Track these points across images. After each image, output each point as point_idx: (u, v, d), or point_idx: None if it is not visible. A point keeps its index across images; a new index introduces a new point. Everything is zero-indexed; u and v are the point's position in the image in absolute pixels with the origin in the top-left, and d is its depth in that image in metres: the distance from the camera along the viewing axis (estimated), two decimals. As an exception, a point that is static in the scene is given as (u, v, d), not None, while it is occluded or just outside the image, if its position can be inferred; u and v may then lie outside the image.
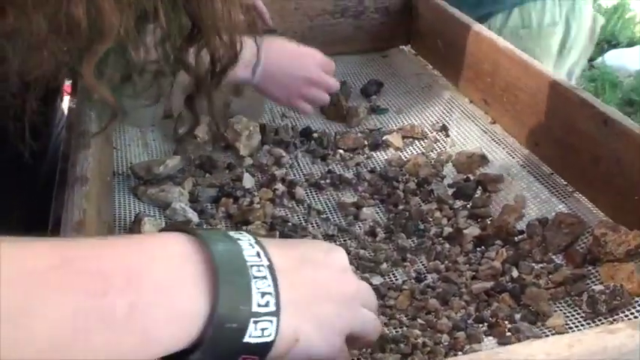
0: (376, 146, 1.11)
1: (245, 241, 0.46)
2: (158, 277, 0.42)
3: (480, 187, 0.98)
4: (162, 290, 0.42)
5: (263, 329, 0.43)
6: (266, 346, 0.44)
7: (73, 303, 0.38)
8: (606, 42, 3.78)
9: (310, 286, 0.49)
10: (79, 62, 0.53)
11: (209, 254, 0.43)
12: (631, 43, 3.80)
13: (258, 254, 0.45)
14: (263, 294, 0.43)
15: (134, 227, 0.86)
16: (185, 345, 0.42)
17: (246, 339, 0.42)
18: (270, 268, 0.45)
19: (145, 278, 0.41)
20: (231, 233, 0.46)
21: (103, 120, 0.88)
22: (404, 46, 1.46)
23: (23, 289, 0.36)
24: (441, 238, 0.89)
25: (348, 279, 0.53)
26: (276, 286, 0.44)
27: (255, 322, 0.43)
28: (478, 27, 1.21)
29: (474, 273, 0.82)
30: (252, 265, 0.44)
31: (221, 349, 0.42)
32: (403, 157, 1.07)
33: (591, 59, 3.67)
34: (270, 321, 0.43)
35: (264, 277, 0.44)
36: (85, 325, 0.38)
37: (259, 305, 0.43)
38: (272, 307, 0.44)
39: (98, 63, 0.54)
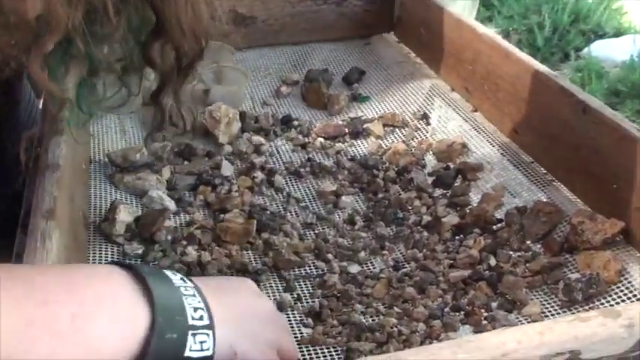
0: (357, 134, 1.10)
1: (168, 271, 0.49)
2: (98, 290, 0.44)
3: (459, 176, 0.97)
4: (103, 301, 0.44)
5: (202, 342, 0.45)
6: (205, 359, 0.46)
7: (24, 313, 0.39)
8: (593, 32, 3.79)
9: (235, 307, 0.52)
10: (26, 55, 0.53)
11: (141, 275, 0.46)
12: (617, 34, 3.80)
13: (182, 279, 0.49)
14: (195, 308, 0.46)
15: (109, 215, 0.85)
16: (128, 358, 0.43)
17: (187, 353, 0.44)
18: (197, 289, 0.49)
19: (85, 290, 0.43)
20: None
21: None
22: (386, 34, 1.45)
23: None
24: (419, 227, 0.89)
25: (265, 300, 0.58)
26: (205, 303, 0.48)
27: (194, 335, 0.45)
28: (461, 15, 1.20)
29: (451, 261, 0.81)
30: (180, 286, 0.47)
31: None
32: (384, 146, 1.06)
33: (577, 49, 3.68)
34: (207, 334, 0.46)
35: (194, 295, 0.47)
36: (34, 334, 0.39)
37: (193, 318, 0.46)
38: (206, 321, 0.46)
39: (47, 56, 0.53)
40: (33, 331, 0.39)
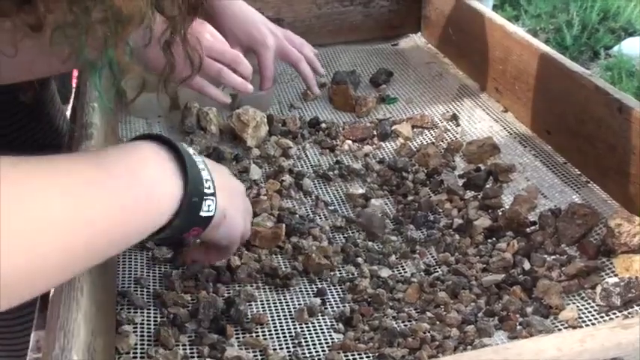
0: (385, 136, 1.09)
1: (185, 145, 0.63)
2: (152, 174, 0.58)
3: (491, 178, 0.96)
4: (156, 182, 0.58)
5: (209, 205, 0.62)
6: (209, 220, 0.63)
7: (116, 199, 0.52)
8: (623, 30, 3.73)
9: (229, 185, 0.68)
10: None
11: (178, 155, 0.60)
12: (648, 31, 3.74)
13: (195, 154, 0.63)
14: (206, 180, 0.62)
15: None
16: (170, 217, 0.58)
17: (201, 213, 0.61)
18: (204, 163, 0.63)
19: (142, 170, 0.57)
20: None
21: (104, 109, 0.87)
22: (414, 34, 1.44)
23: (80, 193, 0.49)
24: (451, 230, 0.87)
25: (239, 182, 0.75)
26: (211, 176, 0.63)
27: (205, 200, 0.61)
28: (490, 14, 1.18)
29: (484, 265, 0.80)
30: (197, 160, 0.62)
31: (188, 218, 0.60)
32: (413, 147, 1.05)
33: (607, 47, 3.62)
34: (212, 200, 0.62)
35: (204, 169, 0.62)
36: (128, 211, 0.54)
37: (205, 187, 0.61)
38: (212, 190, 0.62)
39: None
40: (127, 210, 0.53)
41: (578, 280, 0.76)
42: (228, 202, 0.66)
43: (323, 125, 1.12)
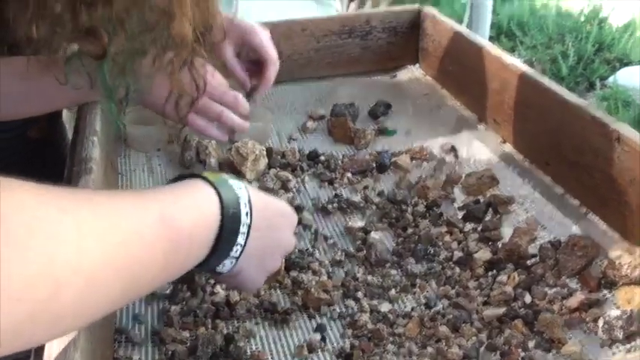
0: (384, 169, 1.09)
1: (242, 197, 0.61)
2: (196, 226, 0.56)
3: (490, 209, 0.95)
4: (199, 246, 0.57)
5: (224, 265, 0.61)
6: (219, 274, 0.62)
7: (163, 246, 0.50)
8: (618, 61, 3.75)
9: (269, 241, 0.66)
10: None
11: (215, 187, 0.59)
12: (643, 62, 3.76)
13: (247, 214, 0.61)
14: (237, 244, 0.61)
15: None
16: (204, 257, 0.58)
17: (217, 269, 0.61)
18: (249, 227, 0.61)
19: (184, 198, 0.56)
20: (233, 182, 0.61)
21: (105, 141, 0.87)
22: (412, 66, 1.45)
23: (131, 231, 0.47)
24: (451, 263, 0.87)
25: (292, 239, 0.71)
26: (246, 242, 0.61)
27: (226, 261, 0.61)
28: (486, 45, 1.19)
29: (485, 298, 0.79)
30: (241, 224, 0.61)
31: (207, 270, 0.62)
32: (412, 180, 1.05)
33: (603, 78, 3.65)
34: (232, 262, 0.61)
35: (243, 233, 0.61)
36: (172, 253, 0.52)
37: (233, 251, 0.61)
38: (237, 254, 0.61)
39: None
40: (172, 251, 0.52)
41: (579, 313, 0.75)
42: (256, 263, 0.65)
43: (322, 158, 1.12)
